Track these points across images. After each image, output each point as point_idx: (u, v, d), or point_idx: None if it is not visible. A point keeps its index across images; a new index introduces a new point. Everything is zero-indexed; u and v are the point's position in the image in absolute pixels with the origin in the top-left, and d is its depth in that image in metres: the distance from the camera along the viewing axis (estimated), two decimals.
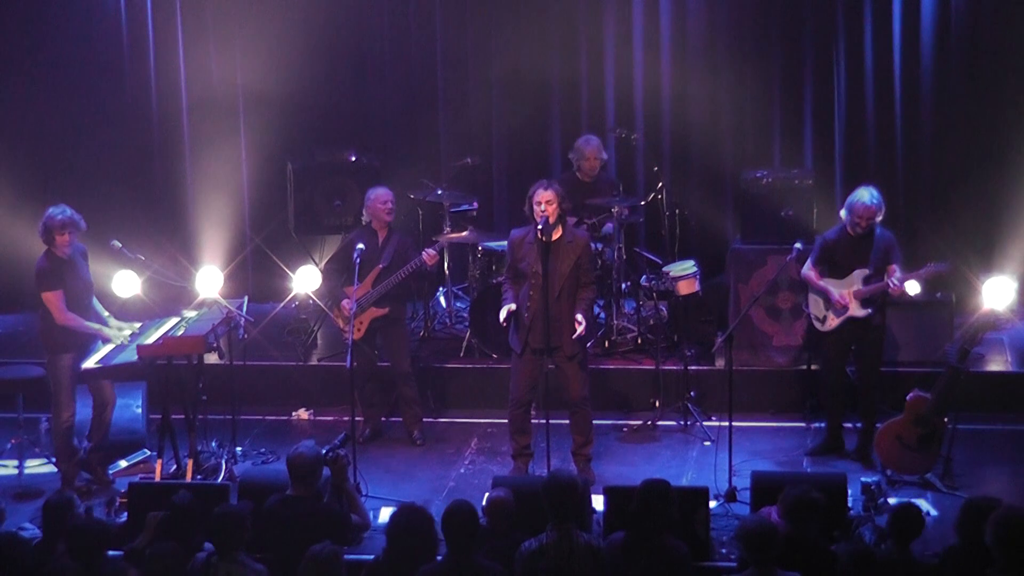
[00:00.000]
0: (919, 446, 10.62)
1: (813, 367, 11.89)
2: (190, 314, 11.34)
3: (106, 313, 11.12)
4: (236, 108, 14.56)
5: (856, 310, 10.93)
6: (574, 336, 10.54)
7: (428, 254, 11.54)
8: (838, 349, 11.18)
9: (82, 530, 8.31)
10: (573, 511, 8.34)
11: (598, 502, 9.61)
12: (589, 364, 11.15)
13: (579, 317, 10.54)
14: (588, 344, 11.14)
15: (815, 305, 11.17)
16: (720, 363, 12.33)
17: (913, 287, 11.01)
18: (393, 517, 8.18)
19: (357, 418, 11.24)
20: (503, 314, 10.74)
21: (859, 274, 10.92)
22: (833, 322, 11.03)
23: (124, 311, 11.74)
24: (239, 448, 11.53)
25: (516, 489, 8.93)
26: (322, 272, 12.59)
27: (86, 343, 10.87)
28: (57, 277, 10.71)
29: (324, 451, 9.39)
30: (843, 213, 10.97)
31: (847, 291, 10.95)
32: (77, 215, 10.78)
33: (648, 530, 8.19)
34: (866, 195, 10.85)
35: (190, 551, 8.29)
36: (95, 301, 11.08)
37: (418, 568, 7.94)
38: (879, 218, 10.87)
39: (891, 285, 10.81)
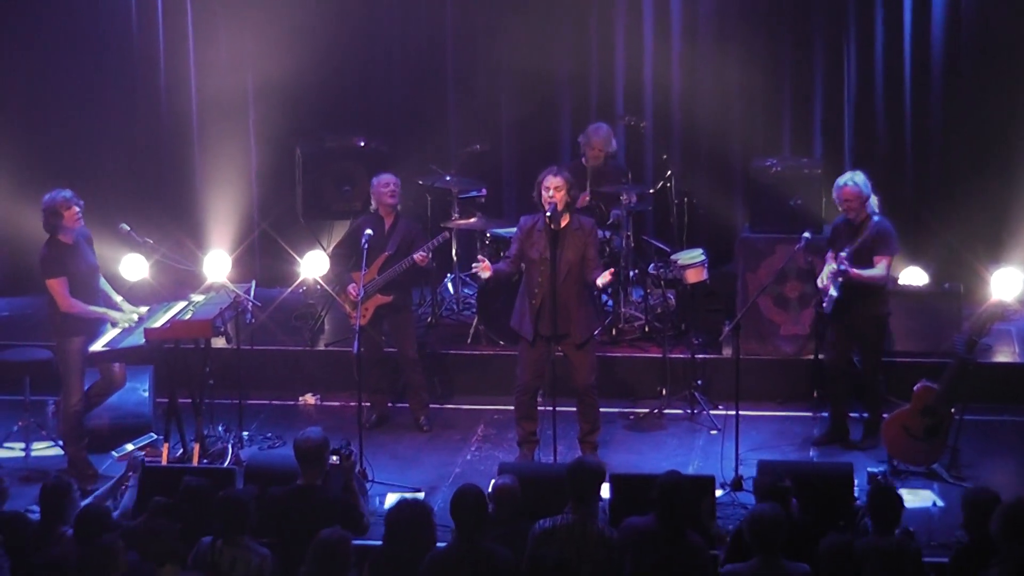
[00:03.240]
0: (926, 436, 10.61)
1: (820, 356, 11.87)
2: (198, 298, 11.32)
3: (119, 298, 11.11)
4: (245, 92, 14.53)
5: (832, 291, 10.93)
6: (601, 283, 10.55)
7: (419, 256, 11.52)
8: (841, 338, 11.19)
9: (88, 515, 8.31)
10: (593, 498, 8.37)
11: (604, 490, 9.60)
12: (596, 352, 11.15)
13: (604, 273, 10.51)
14: (596, 332, 11.13)
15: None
16: (727, 352, 12.32)
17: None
18: (392, 511, 8.19)
19: (364, 403, 11.24)
20: (475, 265, 10.85)
21: (842, 256, 10.91)
22: (826, 304, 11.06)
23: (132, 295, 11.72)
24: (245, 432, 11.55)
25: (522, 476, 8.92)
26: (329, 257, 12.60)
27: (95, 327, 10.87)
28: (60, 264, 10.69)
29: (335, 448, 9.38)
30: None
31: (825, 275, 10.99)
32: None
33: (672, 526, 8.19)
34: (844, 177, 10.97)
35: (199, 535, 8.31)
36: (104, 283, 11.08)
37: (418, 558, 7.95)
38: (869, 202, 10.87)
39: (840, 267, 10.79)
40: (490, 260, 12.77)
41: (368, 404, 11.74)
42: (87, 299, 10.78)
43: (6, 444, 11.47)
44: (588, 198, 12.71)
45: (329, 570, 7.79)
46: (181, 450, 10.95)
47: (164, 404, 11.09)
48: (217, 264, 12.71)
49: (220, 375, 11.27)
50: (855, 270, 10.78)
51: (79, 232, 10.83)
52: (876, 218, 10.93)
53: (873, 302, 11.02)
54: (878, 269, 10.88)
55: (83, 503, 8.90)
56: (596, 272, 10.57)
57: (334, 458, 9.36)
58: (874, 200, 10.93)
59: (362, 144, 13.93)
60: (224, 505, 8.23)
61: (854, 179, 10.90)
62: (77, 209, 10.72)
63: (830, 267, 10.92)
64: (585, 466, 8.51)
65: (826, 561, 7.91)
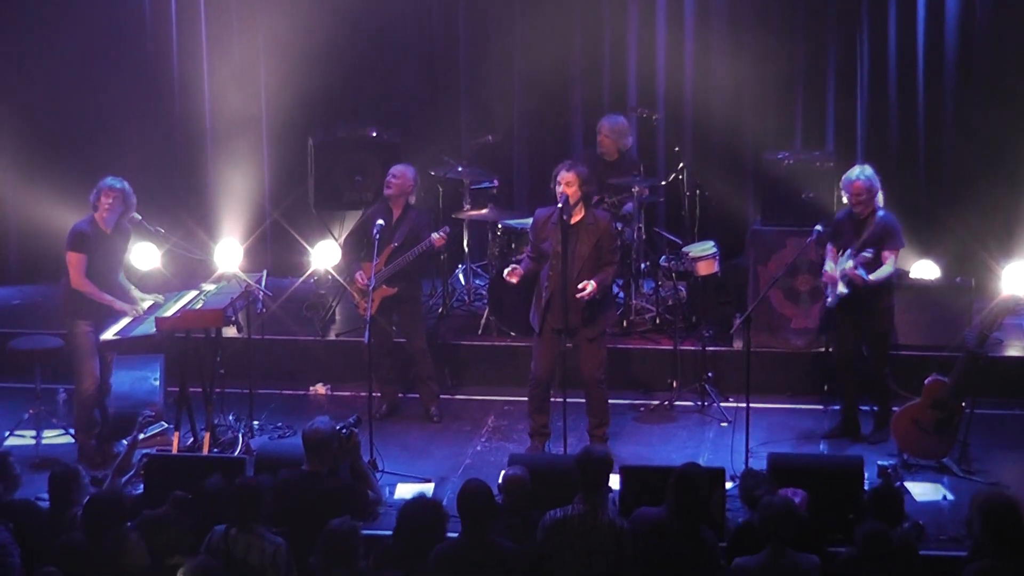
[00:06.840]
0: (936, 430, 10.61)
1: (830, 349, 11.86)
2: (209, 287, 11.34)
3: (133, 288, 11.12)
4: (258, 83, 14.54)
5: (841, 288, 10.91)
6: (578, 295, 10.46)
7: (437, 236, 11.51)
8: (848, 332, 11.18)
9: (99, 502, 8.33)
10: (603, 486, 8.38)
11: (614, 481, 9.61)
12: (607, 344, 11.13)
13: (588, 282, 10.47)
14: (607, 327, 11.11)
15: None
16: (738, 344, 12.31)
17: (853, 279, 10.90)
18: (406, 507, 8.21)
19: (375, 394, 11.24)
20: (506, 271, 10.78)
21: (849, 253, 10.90)
22: (831, 298, 11.04)
23: (143, 284, 11.73)
24: (256, 422, 11.55)
25: (532, 467, 8.96)
26: (340, 247, 12.61)
27: (104, 314, 10.87)
28: (85, 242, 10.71)
29: (338, 428, 9.40)
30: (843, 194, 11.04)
31: (835, 269, 10.96)
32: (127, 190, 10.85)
33: (686, 518, 8.19)
34: (855, 171, 10.98)
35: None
36: (122, 277, 11.09)
37: (426, 553, 7.97)
38: (877, 196, 10.88)
39: (859, 277, 10.76)
40: (500, 251, 12.86)
41: (379, 394, 11.75)
42: (98, 287, 10.80)
43: (17, 432, 11.47)
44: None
45: (338, 560, 7.82)
46: (192, 439, 10.97)
47: (175, 393, 11.10)
48: (228, 253, 12.72)
49: (231, 364, 11.27)
50: (869, 277, 10.75)
51: (117, 224, 10.85)
52: (881, 212, 10.93)
53: (880, 295, 11.00)
54: (887, 267, 10.87)
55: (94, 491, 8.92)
56: (598, 275, 10.55)
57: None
58: (879, 195, 10.94)
59: (374, 134, 13.93)
60: (240, 493, 8.25)
61: (864, 172, 10.91)
62: (110, 201, 10.72)
63: (844, 265, 10.87)
64: (593, 455, 8.53)
65: (863, 547, 7.89)
